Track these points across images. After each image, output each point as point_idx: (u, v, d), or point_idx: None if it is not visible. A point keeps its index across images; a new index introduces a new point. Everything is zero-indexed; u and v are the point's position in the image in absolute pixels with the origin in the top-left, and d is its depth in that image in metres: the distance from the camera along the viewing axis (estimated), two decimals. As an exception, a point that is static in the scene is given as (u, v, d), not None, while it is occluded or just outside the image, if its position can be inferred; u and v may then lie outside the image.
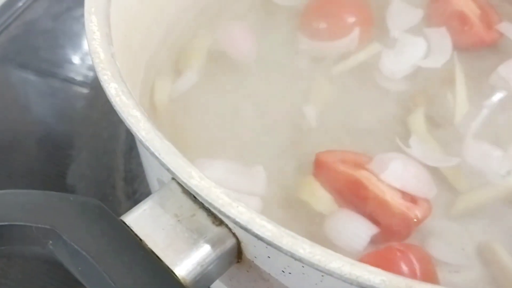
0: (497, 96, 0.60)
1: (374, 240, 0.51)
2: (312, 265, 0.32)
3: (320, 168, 0.54)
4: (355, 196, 0.51)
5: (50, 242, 0.36)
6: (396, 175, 0.51)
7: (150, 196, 0.40)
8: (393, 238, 0.51)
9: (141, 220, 0.38)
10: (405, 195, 0.51)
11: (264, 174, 0.55)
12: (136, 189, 0.64)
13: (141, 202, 0.39)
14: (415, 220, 0.50)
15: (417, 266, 0.47)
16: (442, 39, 0.63)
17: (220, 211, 0.35)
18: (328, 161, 0.53)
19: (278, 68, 0.65)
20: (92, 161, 0.65)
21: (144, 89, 0.60)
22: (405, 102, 0.61)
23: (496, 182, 0.54)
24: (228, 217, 0.34)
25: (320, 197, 0.52)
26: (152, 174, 0.51)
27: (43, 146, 0.65)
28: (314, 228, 0.52)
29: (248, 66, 0.65)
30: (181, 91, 0.63)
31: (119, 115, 0.39)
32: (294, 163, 0.58)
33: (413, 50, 0.63)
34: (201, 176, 0.36)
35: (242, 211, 0.34)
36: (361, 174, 0.51)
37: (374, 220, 0.51)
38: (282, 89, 0.64)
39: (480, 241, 0.52)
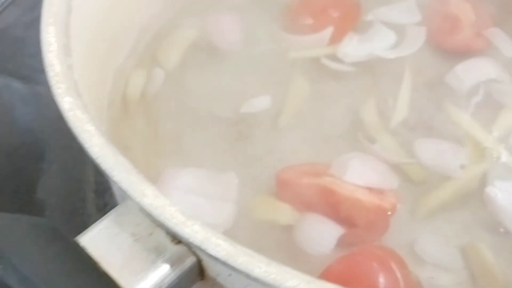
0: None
1: (353, 242, 0.50)
2: (268, 285, 0.31)
3: (283, 186, 0.52)
4: (326, 204, 0.50)
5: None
6: (357, 174, 0.50)
7: (107, 214, 0.38)
8: (373, 235, 0.51)
9: (96, 240, 0.37)
10: (371, 190, 0.50)
11: (237, 180, 0.53)
12: (107, 202, 0.63)
13: (98, 221, 0.38)
14: (389, 212, 0.50)
15: (390, 268, 0.46)
16: (416, 37, 0.63)
17: (173, 231, 0.33)
18: (290, 178, 0.52)
19: (261, 61, 0.64)
20: (63, 174, 0.63)
21: (117, 89, 0.59)
22: (359, 94, 0.61)
23: (454, 176, 0.54)
24: (182, 236, 0.33)
25: (280, 211, 0.51)
26: (115, 188, 0.50)
27: (13, 159, 0.64)
28: (285, 237, 0.51)
29: (232, 57, 0.64)
30: (154, 89, 0.62)
31: (72, 130, 0.38)
32: (269, 171, 0.56)
33: (380, 40, 0.63)
34: (156, 194, 0.35)
35: (197, 230, 0.33)
36: (326, 181, 0.50)
37: (352, 223, 0.50)
38: (259, 85, 0.62)
39: (462, 242, 0.52)
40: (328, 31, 0.64)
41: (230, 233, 0.49)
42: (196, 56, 0.65)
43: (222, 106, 0.61)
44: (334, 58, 0.63)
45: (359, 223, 0.50)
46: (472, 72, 0.60)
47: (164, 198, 0.34)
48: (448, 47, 0.64)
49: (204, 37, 0.66)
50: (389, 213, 0.50)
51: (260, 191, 0.54)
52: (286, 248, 0.51)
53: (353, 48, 0.63)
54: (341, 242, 0.49)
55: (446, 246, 0.51)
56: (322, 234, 0.49)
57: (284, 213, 0.51)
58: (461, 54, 0.63)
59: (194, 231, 0.33)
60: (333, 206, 0.50)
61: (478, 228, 0.52)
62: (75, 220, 0.59)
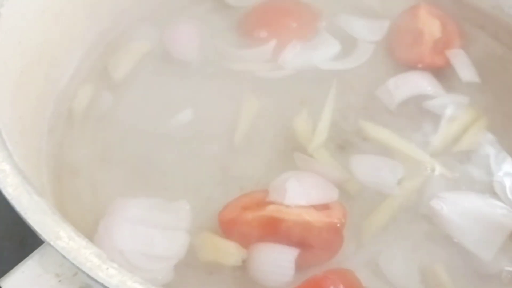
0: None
1: (312, 263, 0.49)
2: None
3: (228, 227, 0.50)
4: (277, 233, 0.48)
5: None
6: (297, 194, 0.49)
7: (31, 255, 0.37)
8: (330, 251, 0.50)
9: (18, 282, 0.35)
10: (316, 207, 0.49)
11: (189, 207, 0.51)
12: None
13: (21, 262, 0.36)
14: (338, 225, 0.49)
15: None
16: (363, 52, 0.62)
17: (88, 276, 0.31)
18: (233, 218, 0.50)
19: (214, 74, 0.63)
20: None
21: (59, 113, 0.58)
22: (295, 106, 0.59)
23: (393, 192, 0.52)
24: (96, 281, 0.31)
25: (226, 252, 0.49)
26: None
27: None
28: (239, 273, 0.49)
29: (187, 69, 0.63)
30: (101, 109, 0.60)
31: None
32: (222, 189, 0.55)
33: (324, 50, 0.62)
34: (70, 236, 0.33)
35: (112, 274, 0.31)
36: (270, 210, 0.48)
37: (306, 245, 0.48)
38: (210, 99, 0.61)
39: (421, 264, 0.50)
40: (271, 44, 0.62)
41: (182, 270, 0.48)
42: (150, 68, 0.63)
43: (172, 123, 0.59)
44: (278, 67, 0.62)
45: (313, 243, 0.48)
46: (404, 87, 0.59)
47: (80, 240, 0.33)
48: (403, 60, 0.63)
49: (161, 47, 0.64)
50: (338, 225, 0.48)
51: (213, 216, 0.51)
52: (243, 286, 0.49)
53: (294, 56, 0.62)
54: (300, 266, 0.48)
55: (402, 266, 0.50)
56: (278, 262, 0.47)
57: (230, 253, 0.48)
58: (416, 68, 0.61)
59: (109, 276, 0.31)
60: (284, 234, 0.48)
61: (429, 242, 0.51)
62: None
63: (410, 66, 0.61)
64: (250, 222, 0.48)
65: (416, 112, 0.58)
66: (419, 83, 0.60)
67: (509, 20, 0.65)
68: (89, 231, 0.49)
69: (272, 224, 0.48)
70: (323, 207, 0.49)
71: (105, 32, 0.64)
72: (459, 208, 0.50)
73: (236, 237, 0.49)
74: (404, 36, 0.64)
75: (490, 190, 0.53)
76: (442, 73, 0.61)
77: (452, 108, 0.58)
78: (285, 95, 0.61)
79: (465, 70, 0.60)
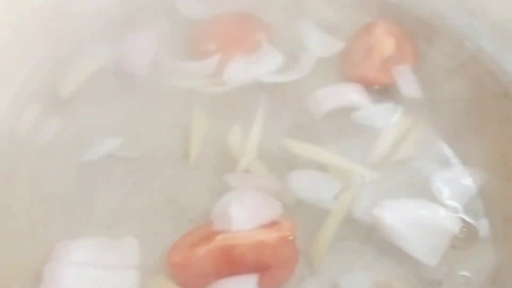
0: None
1: (273, 283, 0.49)
2: None
3: (179, 269, 0.49)
4: (232, 262, 0.48)
5: None
6: (243, 219, 0.49)
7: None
8: (288, 267, 0.50)
9: None
10: (265, 225, 0.49)
11: (136, 244, 0.50)
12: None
13: None
14: (291, 237, 0.49)
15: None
16: (305, 65, 0.62)
17: None
18: (182, 258, 0.48)
19: (163, 90, 0.61)
20: None
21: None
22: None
23: (332, 208, 0.53)
24: None
25: None
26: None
27: None
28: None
29: (139, 85, 0.61)
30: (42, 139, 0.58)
31: None
32: (169, 222, 0.53)
33: (266, 64, 0.62)
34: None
35: None
36: (220, 240, 0.48)
37: (264, 266, 0.48)
38: (159, 118, 0.60)
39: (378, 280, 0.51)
40: (215, 59, 0.62)
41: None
42: (99, 87, 0.61)
43: (114, 151, 0.57)
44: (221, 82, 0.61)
45: (271, 262, 0.48)
46: (331, 97, 0.59)
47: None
48: (351, 76, 0.63)
49: (113, 63, 0.63)
50: (290, 238, 0.49)
51: (163, 251, 0.50)
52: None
53: (237, 70, 0.61)
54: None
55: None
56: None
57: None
58: (362, 84, 0.62)
59: None
60: (239, 261, 0.48)
61: (381, 257, 0.52)
62: None
63: (356, 82, 0.61)
64: (202, 259, 0.47)
65: (351, 125, 0.59)
66: (347, 94, 0.60)
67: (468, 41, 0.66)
68: (33, 279, 0.48)
69: (225, 253, 0.47)
70: (271, 224, 0.49)
71: (53, 49, 0.62)
72: (401, 215, 0.51)
73: (191, 279, 0.48)
74: (356, 52, 0.64)
75: (430, 195, 0.55)
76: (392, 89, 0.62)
77: (382, 119, 0.59)
78: (227, 111, 0.60)
79: (407, 86, 0.61)
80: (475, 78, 0.63)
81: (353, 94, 0.60)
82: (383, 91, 0.61)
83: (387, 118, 0.59)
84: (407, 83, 0.61)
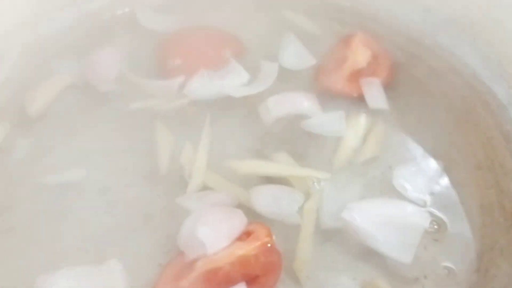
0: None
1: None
2: None
3: None
4: (219, 283, 0.47)
5: None
6: (214, 239, 0.48)
7: None
8: (274, 272, 0.50)
9: None
10: (240, 238, 0.49)
11: (121, 266, 0.49)
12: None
13: None
14: (269, 244, 0.49)
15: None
16: (268, 75, 0.62)
17: None
18: None
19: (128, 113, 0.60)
20: None
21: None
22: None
23: (297, 221, 0.53)
24: None
25: None
26: None
27: None
28: None
29: (106, 101, 0.60)
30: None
31: None
32: (149, 240, 0.53)
33: (230, 79, 0.61)
34: None
35: None
36: (201, 266, 0.47)
37: (251, 277, 0.49)
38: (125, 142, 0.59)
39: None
40: (180, 79, 0.61)
41: None
42: (67, 104, 0.60)
43: (82, 173, 0.56)
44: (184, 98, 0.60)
45: (257, 272, 0.49)
46: (281, 105, 0.60)
47: None
48: (322, 87, 0.63)
49: (81, 79, 0.62)
50: (269, 244, 0.49)
51: (146, 272, 0.50)
52: None
53: (201, 85, 0.60)
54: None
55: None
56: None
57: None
58: (329, 95, 0.62)
59: None
60: (226, 280, 0.48)
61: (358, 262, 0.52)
62: None
63: (326, 92, 0.62)
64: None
65: (304, 133, 0.59)
66: (297, 102, 0.60)
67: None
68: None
69: (211, 278, 0.47)
70: (246, 234, 0.50)
71: (19, 66, 0.61)
72: (369, 216, 0.51)
73: None
74: (330, 63, 0.64)
75: (397, 193, 0.56)
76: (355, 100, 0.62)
77: (332, 127, 0.59)
78: (189, 127, 0.59)
79: (373, 98, 0.61)
80: (435, 72, 0.65)
81: (304, 102, 0.60)
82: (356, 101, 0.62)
83: (337, 126, 0.59)
84: (373, 94, 0.62)
